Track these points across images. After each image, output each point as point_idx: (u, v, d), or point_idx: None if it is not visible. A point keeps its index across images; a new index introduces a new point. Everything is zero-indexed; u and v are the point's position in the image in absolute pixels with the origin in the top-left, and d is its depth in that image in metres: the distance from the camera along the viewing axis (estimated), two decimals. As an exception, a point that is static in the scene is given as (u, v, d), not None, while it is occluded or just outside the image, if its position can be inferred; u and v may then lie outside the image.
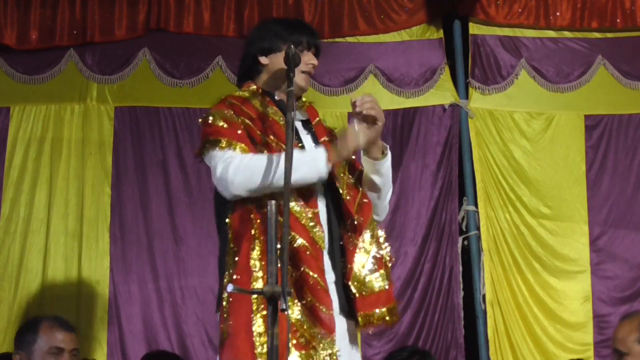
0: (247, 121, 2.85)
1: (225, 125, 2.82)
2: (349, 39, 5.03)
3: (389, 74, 5.02)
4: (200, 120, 2.96)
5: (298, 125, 2.98)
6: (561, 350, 4.81)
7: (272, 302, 2.28)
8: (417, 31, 5.09)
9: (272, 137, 2.84)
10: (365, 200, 2.95)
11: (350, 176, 2.95)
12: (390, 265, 2.95)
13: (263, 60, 3.00)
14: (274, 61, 2.96)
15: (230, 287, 2.44)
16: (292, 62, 2.84)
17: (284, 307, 2.27)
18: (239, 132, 2.80)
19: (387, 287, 2.90)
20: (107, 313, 4.66)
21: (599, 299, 4.88)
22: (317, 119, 3.06)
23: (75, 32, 4.85)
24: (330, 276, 2.87)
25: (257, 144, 2.81)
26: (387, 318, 2.89)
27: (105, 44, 4.89)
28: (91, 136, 4.84)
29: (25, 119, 4.82)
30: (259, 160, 2.74)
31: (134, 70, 4.91)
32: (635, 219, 4.98)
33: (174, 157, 4.85)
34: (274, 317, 2.29)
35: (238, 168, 2.73)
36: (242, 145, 2.77)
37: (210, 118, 2.88)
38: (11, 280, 4.66)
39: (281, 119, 2.89)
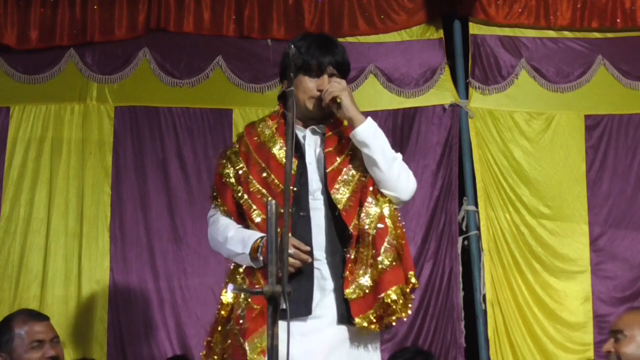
0: (243, 168, 3.06)
1: (224, 179, 3.10)
2: (349, 39, 5.01)
3: (389, 74, 5.02)
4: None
5: (316, 139, 3.09)
6: (561, 350, 4.81)
7: (272, 302, 2.28)
8: (417, 31, 5.08)
9: (263, 165, 3.03)
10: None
11: (363, 174, 3.03)
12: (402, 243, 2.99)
13: (284, 85, 3.09)
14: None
15: (230, 287, 2.45)
16: (292, 61, 2.87)
17: (284, 306, 2.28)
18: (230, 191, 3.10)
19: (386, 268, 2.92)
20: (107, 313, 4.66)
21: (599, 299, 4.88)
22: (335, 130, 3.11)
23: (75, 32, 4.85)
24: (329, 284, 2.94)
25: (243, 195, 3.04)
26: (393, 302, 2.91)
27: (105, 44, 4.89)
28: (91, 136, 4.84)
29: (25, 119, 4.82)
30: (220, 234, 3.09)
31: (134, 70, 4.91)
32: (635, 219, 4.98)
33: (174, 157, 4.85)
34: (274, 317, 2.29)
35: (210, 234, 3.17)
36: (226, 209, 3.11)
37: (220, 161, 3.15)
38: (11, 280, 4.66)
39: (280, 148, 3.01)
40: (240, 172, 3.05)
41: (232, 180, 3.05)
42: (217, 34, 4.95)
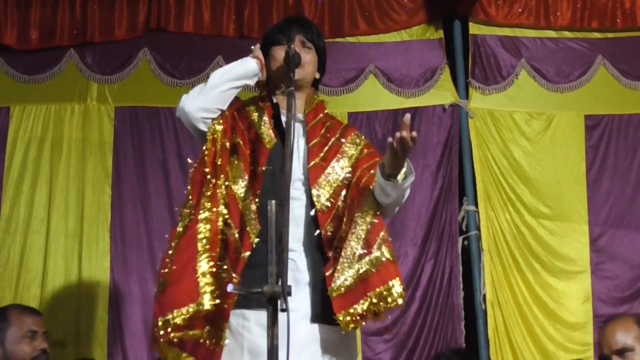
0: (237, 139, 2.96)
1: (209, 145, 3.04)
2: (349, 39, 5.02)
3: (389, 74, 5.02)
4: None
5: (298, 127, 2.99)
6: (561, 350, 4.80)
7: (272, 302, 2.28)
8: (417, 31, 5.09)
9: (249, 145, 2.94)
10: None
11: (349, 172, 2.94)
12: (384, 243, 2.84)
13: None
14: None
15: (230, 287, 2.44)
16: (292, 62, 2.86)
17: (284, 307, 2.27)
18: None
19: (373, 270, 2.78)
20: (107, 313, 4.66)
21: (599, 299, 4.88)
22: (317, 119, 3.05)
23: (75, 32, 4.86)
24: (304, 277, 2.84)
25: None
26: (379, 301, 2.76)
27: (105, 44, 4.90)
28: (91, 136, 4.84)
29: (25, 119, 4.82)
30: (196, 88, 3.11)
31: (134, 70, 4.91)
32: (635, 219, 4.98)
33: (174, 158, 4.85)
34: (274, 317, 2.29)
35: (188, 94, 3.13)
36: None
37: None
38: (11, 280, 4.66)
39: (267, 129, 2.97)
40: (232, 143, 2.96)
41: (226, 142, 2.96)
42: (217, 34, 4.95)
